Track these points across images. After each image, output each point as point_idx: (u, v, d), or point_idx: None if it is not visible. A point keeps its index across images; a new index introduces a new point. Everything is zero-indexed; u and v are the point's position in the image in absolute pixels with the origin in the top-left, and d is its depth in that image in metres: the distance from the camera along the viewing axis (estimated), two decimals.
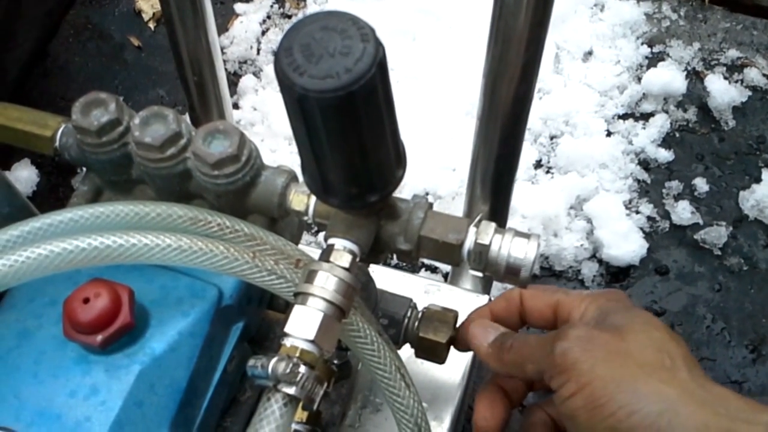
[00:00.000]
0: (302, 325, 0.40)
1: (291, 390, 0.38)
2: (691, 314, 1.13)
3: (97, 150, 0.49)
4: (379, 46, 0.34)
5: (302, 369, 0.38)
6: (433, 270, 1.15)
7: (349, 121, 0.34)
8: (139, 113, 0.48)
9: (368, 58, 0.33)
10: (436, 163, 1.19)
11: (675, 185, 1.21)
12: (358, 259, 0.44)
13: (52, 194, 1.23)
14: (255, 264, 0.43)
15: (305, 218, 0.49)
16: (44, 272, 0.40)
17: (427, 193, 1.18)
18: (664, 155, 1.24)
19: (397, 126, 0.39)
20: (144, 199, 0.53)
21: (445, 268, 1.13)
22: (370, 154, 0.37)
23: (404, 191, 1.14)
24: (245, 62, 1.35)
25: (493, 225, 0.46)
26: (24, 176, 1.22)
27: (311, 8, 1.39)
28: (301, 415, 0.56)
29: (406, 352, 0.57)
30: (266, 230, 0.47)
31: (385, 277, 0.70)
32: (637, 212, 1.19)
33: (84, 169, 0.55)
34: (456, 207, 1.16)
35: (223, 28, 1.36)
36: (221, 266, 0.42)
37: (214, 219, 0.46)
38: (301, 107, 0.34)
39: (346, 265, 0.43)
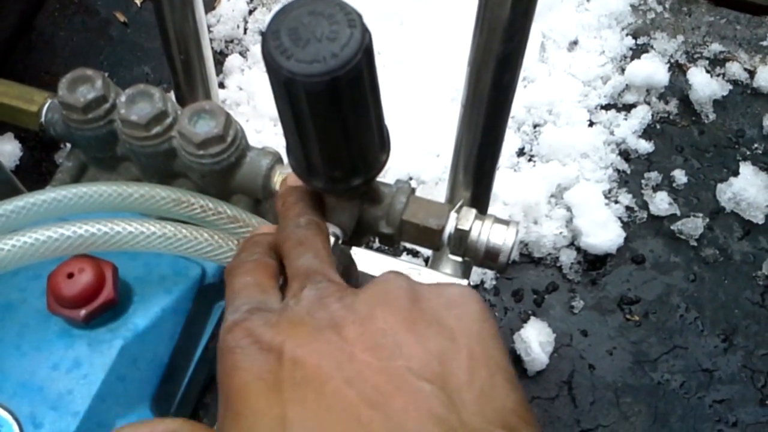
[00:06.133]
0: None
1: None
2: (666, 303, 1.15)
3: (82, 126, 0.49)
4: (365, 32, 0.34)
5: None
6: (415, 254, 1.16)
7: (335, 106, 0.35)
8: (126, 91, 0.48)
9: (355, 43, 0.33)
10: (420, 148, 1.20)
11: (654, 176, 1.23)
12: (340, 242, 0.45)
13: (36, 169, 1.23)
14: None
15: None
16: (30, 260, 0.40)
17: (410, 178, 1.19)
18: (645, 146, 1.25)
19: (382, 111, 0.40)
20: (128, 177, 0.54)
21: (427, 252, 1.14)
22: (354, 138, 0.38)
23: (388, 175, 1.14)
24: (232, 41, 1.35)
25: (474, 211, 0.47)
26: (7, 150, 1.22)
27: None
28: None
29: None
30: (249, 212, 0.47)
31: (367, 260, 0.71)
32: (616, 202, 1.21)
33: (68, 144, 0.55)
34: (439, 192, 1.17)
35: (210, 7, 1.35)
36: (206, 253, 0.43)
37: (197, 201, 0.46)
38: (287, 91, 0.34)
39: None
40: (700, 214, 1.21)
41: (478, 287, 1.16)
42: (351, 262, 0.58)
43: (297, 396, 0.28)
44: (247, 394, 0.29)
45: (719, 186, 1.22)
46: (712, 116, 1.29)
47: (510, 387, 0.29)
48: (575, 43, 1.34)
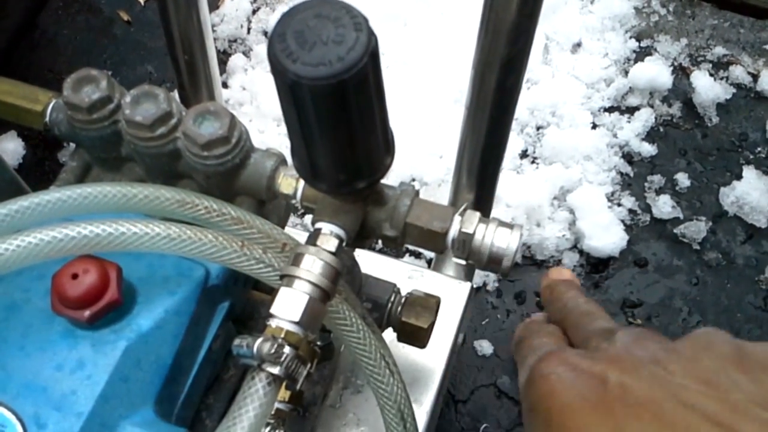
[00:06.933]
0: (288, 307, 0.40)
1: (275, 370, 0.39)
2: (668, 307, 1.15)
3: (87, 127, 0.49)
4: (371, 36, 0.34)
5: (286, 349, 0.39)
6: (417, 255, 1.16)
7: (340, 109, 0.35)
8: (131, 91, 0.48)
9: (360, 47, 0.33)
10: (423, 150, 1.20)
11: (657, 179, 1.23)
12: (344, 244, 0.45)
13: (39, 168, 1.23)
14: (243, 252, 0.43)
15: (293, 201, 0.50)
16: (34, 260, 0.40)
17: (413, 180, 1.19)
18: (648, 149, 1.25)
19: (386, 114, 0.40)
20: (133, 177, 0.54)
21: (429, 254, 1.14)
22: (359, 141, 0.38)
23: (391, 177, 1.14)
24: (235, 41, 1.35)
25: (478, 214, 0.47)
26: (10, 148, 1.22)
27: None
28: (283, 394, 0.56)
29: (388, 336, 0.58)
30: (253, 214, 0.47)
31: (370, 262, 0.71)
32: (619, 205, 1.21)
33: (72, 143, 0.55)
34: (442, 194, 1.17)
35: (213, 6, 1.35)
36: (210, 255, 0.43)
37: (202, 202, 0.46)
38: (293, 93, 0.34)
39: (333, 249, 0.43)
40: (703, 218, 1.20)
41: (481, 289, 1.16)
42: (354, 264, 0.59)
43: (632, 413, 0.28)
44: (572, 412, 0.29)
45: (722, 190, 1.22)
46: (715, 119, 1.29)
47: None
48: (579, 45, 1.34)
